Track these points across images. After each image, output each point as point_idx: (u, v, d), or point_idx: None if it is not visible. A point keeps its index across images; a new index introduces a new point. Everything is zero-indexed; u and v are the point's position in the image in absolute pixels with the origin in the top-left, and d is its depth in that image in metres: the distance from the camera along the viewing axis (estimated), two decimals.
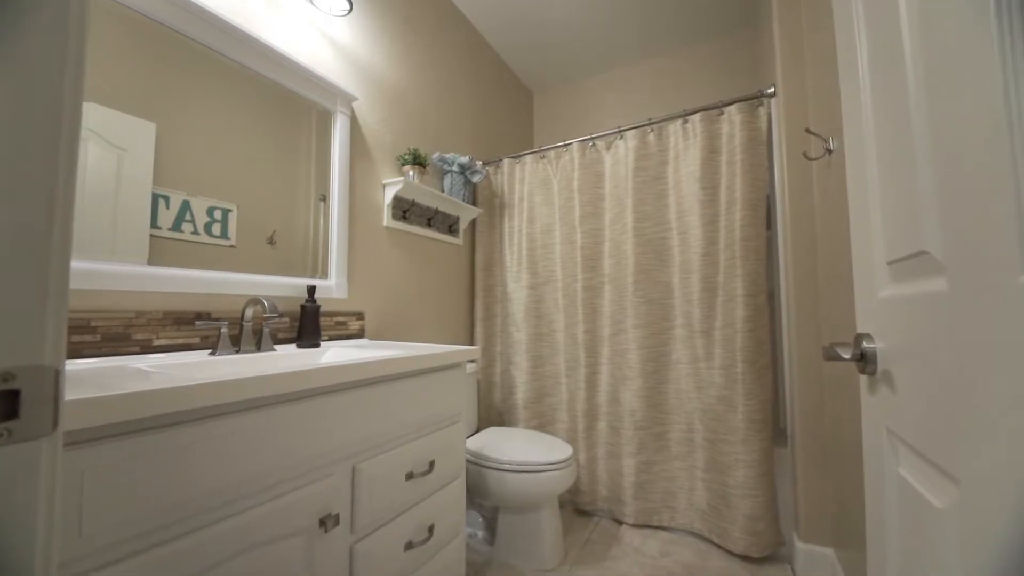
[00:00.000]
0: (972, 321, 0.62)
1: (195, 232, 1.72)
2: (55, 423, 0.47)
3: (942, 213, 0.70)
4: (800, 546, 2.26)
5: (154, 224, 1.60)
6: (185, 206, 1.69)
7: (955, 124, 0.65)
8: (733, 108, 2.58)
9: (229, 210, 1.84)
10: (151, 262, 1.58)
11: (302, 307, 2.01)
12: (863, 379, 1.06)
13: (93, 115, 1.45)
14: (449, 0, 3.40)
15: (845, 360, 1.00)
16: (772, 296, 2.59)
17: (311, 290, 2.04)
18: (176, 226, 1.67)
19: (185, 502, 0.96)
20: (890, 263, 0.91)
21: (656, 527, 2.74)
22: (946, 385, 0.69)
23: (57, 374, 0.47)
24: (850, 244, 1.18)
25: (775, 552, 2.40)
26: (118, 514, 0.86)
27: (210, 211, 1.78)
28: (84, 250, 1.43)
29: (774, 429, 2.50)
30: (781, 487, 2.47)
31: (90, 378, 1.05)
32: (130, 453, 0.88)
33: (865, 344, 0.97)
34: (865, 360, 0.97)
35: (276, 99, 2.05)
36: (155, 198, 1.61)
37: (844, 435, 2.00)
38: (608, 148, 3.06)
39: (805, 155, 2.18)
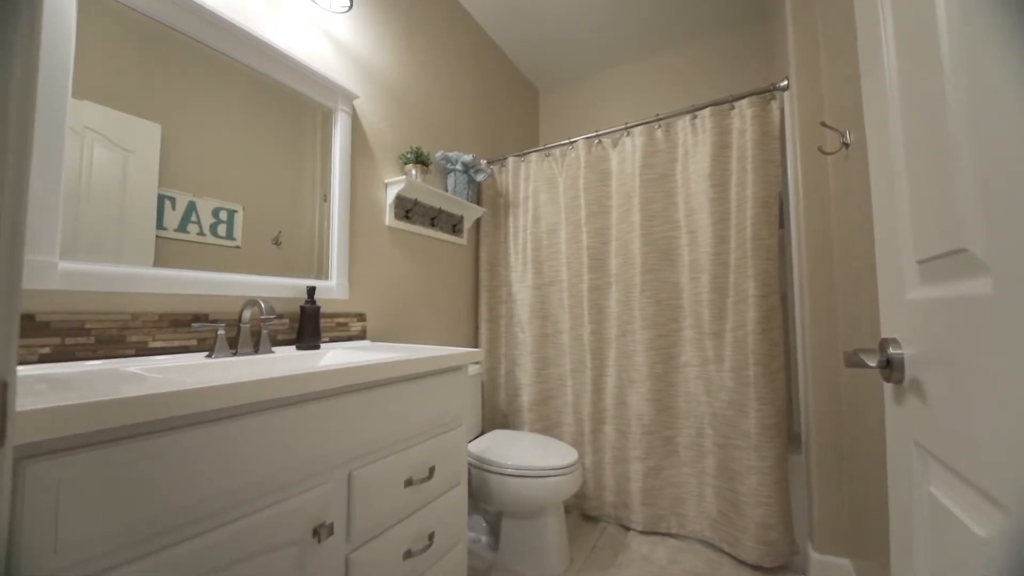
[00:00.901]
0: (1022, 327, 0.55)
1: (201, 233, 1.72)
2: (2, 438, 0.45)
3: (986, 206, 0.63)
4: (815, 556, 2.19)
5: (160, 225, 1.61)
6: (191, 207, 1.69)
7: (1001, 108, 0.58)
8: (744, 102, 2.50)
9: (235, 211, 1.84)
10: (157, 263, 1.59)
11: (301, 308, 1.98)
12: (888, 388, 0.98)
13: (98, 117, 1.45)
14: None
15: (870, 367, 0.93)
16: (785, 297, 2.51)
17: (311, 291, 2.01)
18: (182, 227, 1.67)
19: (167, 514, 0.92)
20: (920, 262, 0.84)
21: (664, 534, 2.67)
22: (990, 399, 0.62)
23: (5, 387, 0.44)
24: (871, 242, 1.10)
25: (788, 562, 2.32)
26: (97, 527, 0.82)
27: (216, 212, 1.77)
28: (91, 251, 1.43)
29: (788, 435, 2.42)
30: (795, 495, 2.39)
31: (78, 382, 1.02)
32: (110, 462, 0.84)
33: (892, 350, 0.90)
34: (891, 367, 0.89)
35: (279, 98, 2.04)
36: (161, 199, 1.61)
37: (862, 443, 1.93)
38: (615, 146, 2.99)
39: (820, 150, 2.10)
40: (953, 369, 0.72)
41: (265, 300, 1.62)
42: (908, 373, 0.87)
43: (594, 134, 3.06)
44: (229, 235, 1.82)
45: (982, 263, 0.64)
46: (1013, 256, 0.57)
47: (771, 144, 2.42)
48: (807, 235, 2.28)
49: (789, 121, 2.44)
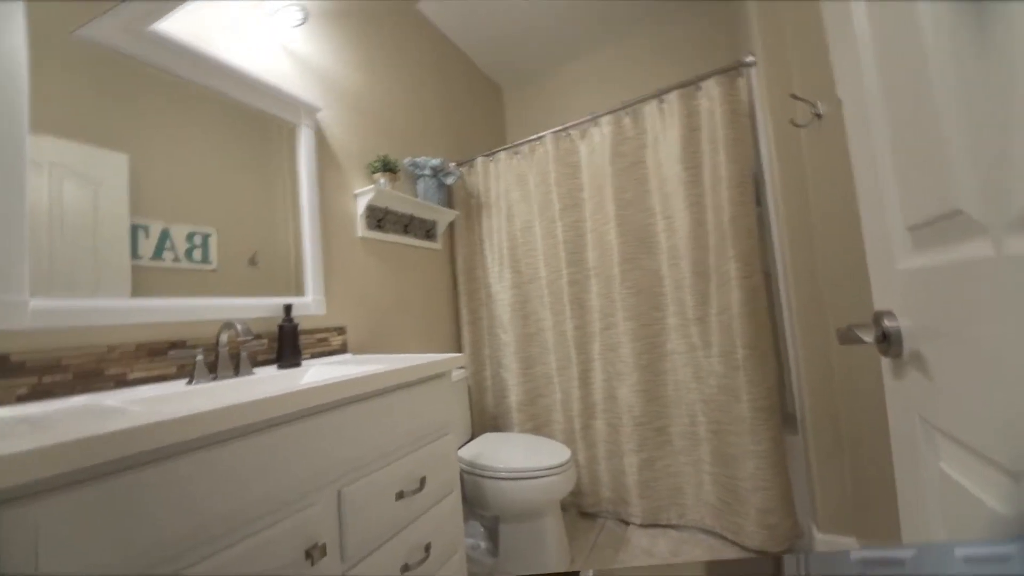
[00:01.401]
0: None
1: (176, 259, 1.72)
2: None
3: (978, 164, 0.58)
4: (820, 537, 2.16)
5: (135, 255, 1.59)
6: (164, 234, 1.68)
7: (994, 55, 0.54)
8: (711, 82, 2.46)
9: (209, 234, 1.83)
10: (134, 293, 1.57)
11: (280, 327, 1.94)
12: (886, 362, 0.94)
13: (62, 151, 1.44)
14: (408, 2, 3.28)
15: (866, 343, 0.89)
16: (769, 276, 2.47)
17: (288, 309, 1.97)
18: (157, 254, 1.66)
19: (151, 549, 0.87)
20: (911, 228, 0.80)
21: (665, 526, 2.63)
22: (1000, 366, 0.58)
23: None
24: (855, 213, 1.06)
25: (793, 545, 2.28)
26: (79, 567, 0.78)
27: (190, 236, 1.76)
28: (66, 286, 1.41)
29: (782, 416, 2.39)
30: (795, 477, 2.36)
31: (58, 421, 1.00)
32: (89, 501, 0.80)
33: (887, 323, 0.86)
34: (889, 341, 0.85)
35: (243, 117, 2.02)
36: (134, 228, 1.60)
37: (860, 419, 1.90)
38: (583, 137, 2.95)
39: (792, 123, 2.07)
40: (956, 338, 0.68)
41: (242, 322, 1.58)
42: (907, 346, 0.82)
43: (561, 127, 3.02)
44: (204, 259, 1.80)
45: (979, 224, 0.60)
46: (1012, 214, 0.53)
47: (741, 122, 2.39)
48: (786, 211, 2.25)
49: (758, 97, 2.41)
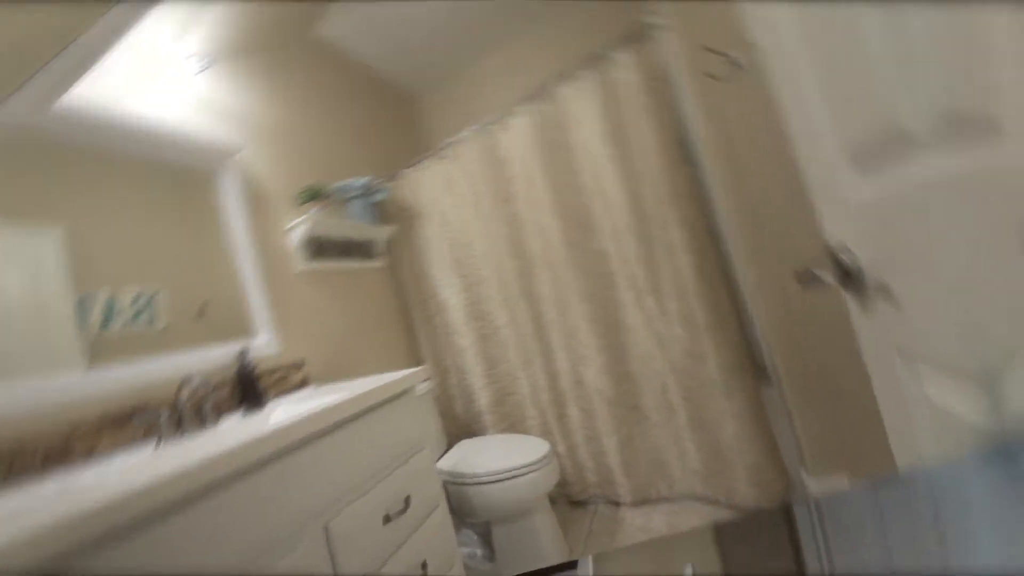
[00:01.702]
0: (990, 196, 0.48)
1: (126, 324, 1.71)
2: None
3: (909, 73, 0.55)
4: (812, 481, 2.16)
5: (84, 327, 1.59)
6: (110, 302, 1.68)
7: None
8: (621, 51, 2.44)
9: (154, 293, 1.83)
10: (90, 365, 1.57)
11: (236, 373, 1.92)
12: (850, 299, 0.91)
13: None
14: (306, 28, 3.18)
15: (828, 283, 0.86)
16: (715, 234, 2.47)
17: (242, 354, 1.95)
18: (106, 323, 1.65)
19: None
20: (853, 156, 0.77)
21: (656, 501, 2.62)
22: (964, 281, 0.55)
23: None
24: (791, 157, 1.04)
25: (788, 495, 2.29)
26: None
27: (135, 299, 1.76)
28: (18, 372, 1.41)
29: (755, 369, 2.39)
30: (777, 427, 2.36)
31: (30, 506, 1.03)
32: None
33: (845, 259, 0.83)
34: (850, 277, 0.83)
35: (166, 172, 2.03)
36: (79, 301, 1.59)
37: (831, 357, 1.91)
38: (505, 131, 2.90)
39: (710, 75, 2.04)
40: (923, 264, 0.65)
41: (200, 374, 1.62)
42: (870, 279, 0.80)
43: (479, 125, 2.97)
44: (153, 319, 1.80)
45: (921, 140, 0.57)
46: (955, 122, 0.50)
47: (658, 86, 2.38)
48: (721, 166, 2.24)
49: (672, 58, 2.38)
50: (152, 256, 1.87)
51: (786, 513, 1.08)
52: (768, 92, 1.07)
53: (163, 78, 2.12)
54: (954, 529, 0.59)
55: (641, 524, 2.47)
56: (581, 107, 2.60)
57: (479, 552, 2.51)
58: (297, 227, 2.52)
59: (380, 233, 3.13)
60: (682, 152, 2.40)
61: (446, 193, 3.13)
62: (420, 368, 1.92)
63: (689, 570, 0.82)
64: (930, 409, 0.75)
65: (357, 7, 3.14)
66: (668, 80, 2.43)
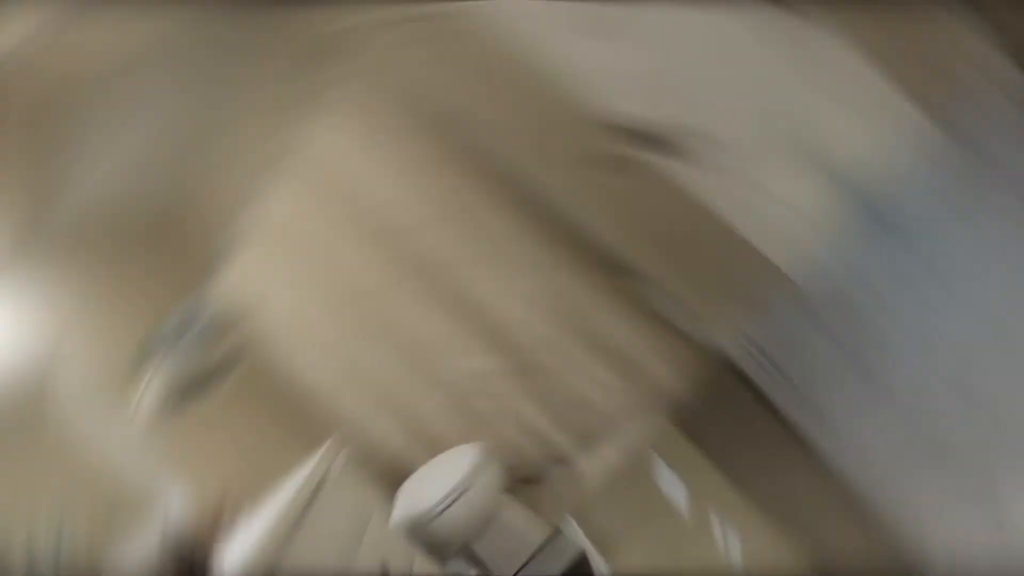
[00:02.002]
0: None
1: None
2: None
3: None
4: (715, 329, 2.19)
5: None
6: None
7: None
8: None
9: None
10: None
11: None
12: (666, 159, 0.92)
13: None
14: None
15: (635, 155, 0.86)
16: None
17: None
18: None
19: None
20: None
21: (596, 436, 2.63)
22: None
23: None
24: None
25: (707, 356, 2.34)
26: None
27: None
28: None
29: (615, 271, 2.43)
30: (662, 305, 2.42)
31: None
32: None
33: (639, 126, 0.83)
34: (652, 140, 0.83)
35: None
36: None
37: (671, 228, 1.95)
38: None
39: None
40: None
41: None
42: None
43: None
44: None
45: None
46: None
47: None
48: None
49: None
50: None
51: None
52: None
53: None
54: None
55: (597, 463, 2.55)
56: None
57: (474, 573, 2.45)
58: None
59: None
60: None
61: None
62: (328, 443, 1.97)
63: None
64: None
65: None
66: None
